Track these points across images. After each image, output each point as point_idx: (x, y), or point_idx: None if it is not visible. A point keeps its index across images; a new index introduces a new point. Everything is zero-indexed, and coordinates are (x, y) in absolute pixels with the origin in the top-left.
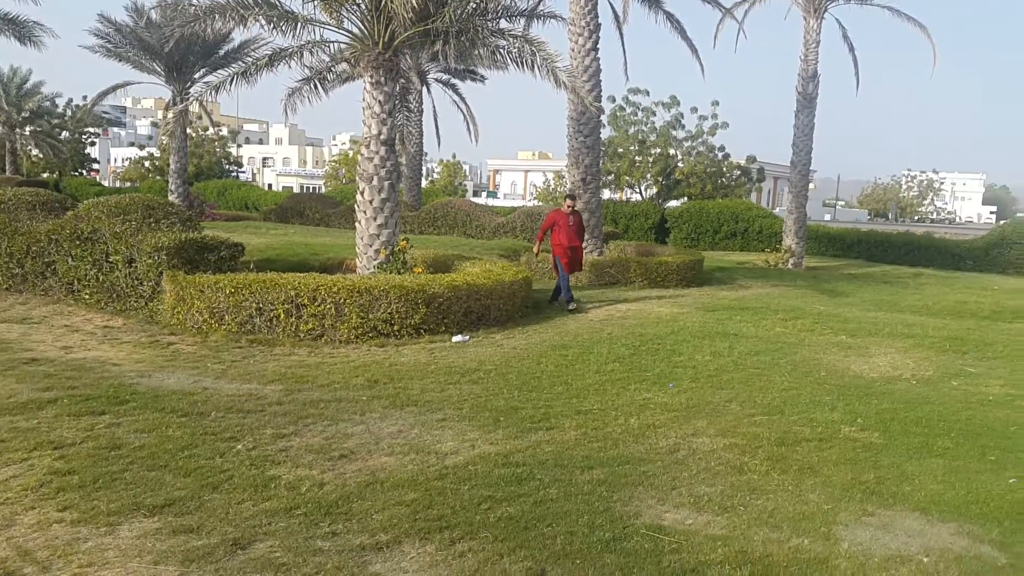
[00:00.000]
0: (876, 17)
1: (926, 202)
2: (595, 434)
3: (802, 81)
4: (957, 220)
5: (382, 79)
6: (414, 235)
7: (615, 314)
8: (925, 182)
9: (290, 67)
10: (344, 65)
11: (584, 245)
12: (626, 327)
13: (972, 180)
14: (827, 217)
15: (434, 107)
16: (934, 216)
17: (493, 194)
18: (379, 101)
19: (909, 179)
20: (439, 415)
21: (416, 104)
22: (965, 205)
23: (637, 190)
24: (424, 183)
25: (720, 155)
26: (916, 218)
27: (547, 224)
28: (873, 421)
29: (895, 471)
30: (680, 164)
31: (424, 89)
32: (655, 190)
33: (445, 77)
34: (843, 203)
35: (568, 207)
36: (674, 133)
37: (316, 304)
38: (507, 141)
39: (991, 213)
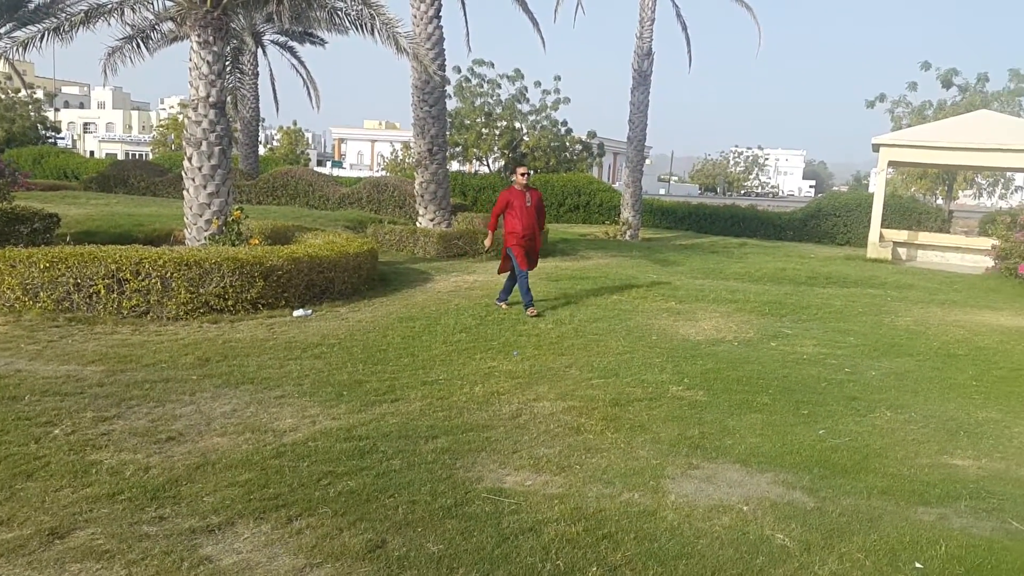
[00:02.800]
0: None
1: (751, 177)
2: (440, 404)
3: (637, 58)
4: (780, 194)
5: (210, 38)
6: (251, 205)
7: (463, 285)
8: (751, 158)
9: (110, 25)
10: (171, 24)
11: (433, 217)
12: (473, 298)
13: (794, 156)
14: (662, 191)
15: (271, 70)
16: (759, 190)
17: (339, 164)
18: (207, 62)
19: (736, 155)
20: (277, 392)
21: (251, 66)
22: (787, 179)
23: (485, 162)
24: (263, 151)
25: (563, 130)
26: (743, 192)
27: (500, 206)
28: (699, 380)
29: (718, 426)
30: (525, 138)
31: (260, 51)
32: (503, 163)
33: (282, 39)
34: (676, 178)
35: (522, 181)
36: (519, 107)
37: (140, 279)
38: (353, 110)
39: (810, 187)
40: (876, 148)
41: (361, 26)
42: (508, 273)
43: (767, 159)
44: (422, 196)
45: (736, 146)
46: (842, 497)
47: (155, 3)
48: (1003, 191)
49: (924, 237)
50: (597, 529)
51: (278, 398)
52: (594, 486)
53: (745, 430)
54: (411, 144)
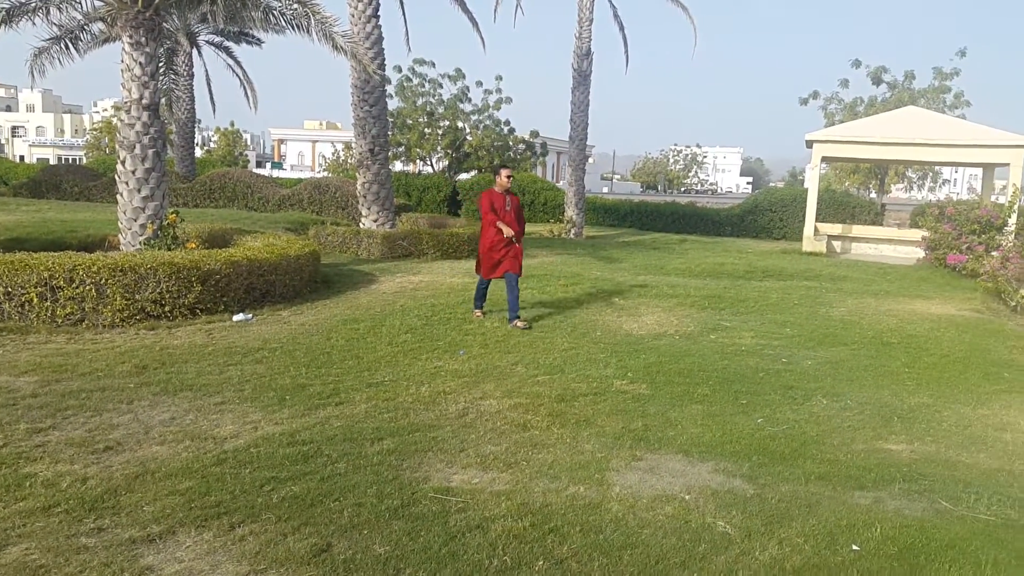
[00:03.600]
0: None
1: (691, 174)
2: (386, 405)
3: (577, 58)
4: (718, 191)
5: (143, 39)
6: (188, 208)
7: (408, 286)
8: (690, 156)
9: (35, 24)
10: (101, 24)
11: (376, 218)
12: (419, 298)
13: (731, 153)
14: (605, 190)
15: (206, 71)
16: (698, 187)
17: (279, 165)
18: (140, 63)
19: (676, 153)
20: (217, 398)
21: (186, 67)
22: (725, 177)
23: (429, 162)
24: (199, 152)
25: (506, 129)
26: (683, 189)
27: (488, 206)
28: (642, 374)
29: (660, 418)
30: (469, 137)
31: (195, 52)
32: (446, 163)
33: (218, 39)
34: (619, 176)
35: (505, 184)
36: (461, 106)
37: (74, 286)
38: (293, 110)
39: (747, 183)
40: (810, 144)
41: (297, 25)
42: (495, 278)
43: (705, 157)
44: (365, 197)
45: (675, 144)
46: (781, 484)
47: (83, 3)
48: (932, 184)
49: (858, 230)
50: (543, 523)
51: (218, 405)
52: (540, 481)
53: (686, 421)
54: (352, 144)
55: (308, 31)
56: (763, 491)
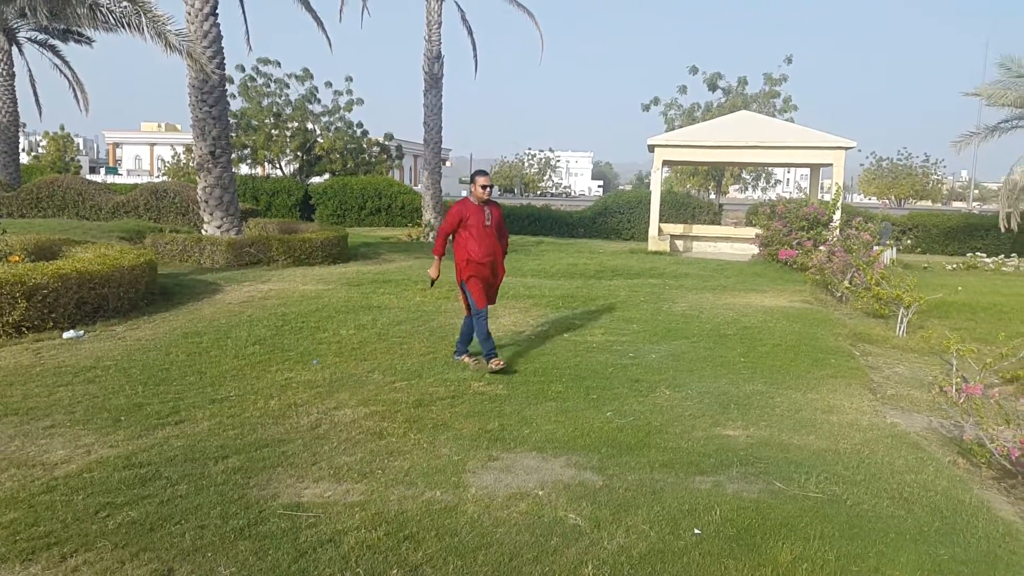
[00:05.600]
0: (494, 2)
1: (545, 178)
2: (231, 422)
3: (427, 61)
4: (572, 193)
5: None
6: (13, 219)
7: (256, 295)
8: (544, 160)
9: None
10: None
11: (220, 224)
12: (268, 307)
13: (583, 158)
14: (464, 193)
15: (30, 71)
16: (553, 191)
17: (114, 170)
18: None
19: (531, 157)
20: (46, 422)
21: (5, 67)
22: (578, 180)
23: (278, 166)
24: (26, 159)
25: (359, 132)
26: (539, 192)
27: (451, 224)
28: (498, 375)
29: (516, 417)
30: (320, 139)
31: (16, 50)
32: (297, 166)
33: (42, 37)
34: None
35: (482, 194)
36: (311, 107)
37: None
38: (129, 111)
39: (599, 187)
40: (651, 148)
41: (127, 23)
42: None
43: (559, 161)
44: (206, 202)
45: (530, 148)
46: (627, 473)
47: None
48: (765, 185)
49: (698, 229)
50: (399, 531)
51: (47, 428)
52: (396, 489)
53: (541, 419)
54: (193, 147)
55: (140, 29)
56: (611, 482)
